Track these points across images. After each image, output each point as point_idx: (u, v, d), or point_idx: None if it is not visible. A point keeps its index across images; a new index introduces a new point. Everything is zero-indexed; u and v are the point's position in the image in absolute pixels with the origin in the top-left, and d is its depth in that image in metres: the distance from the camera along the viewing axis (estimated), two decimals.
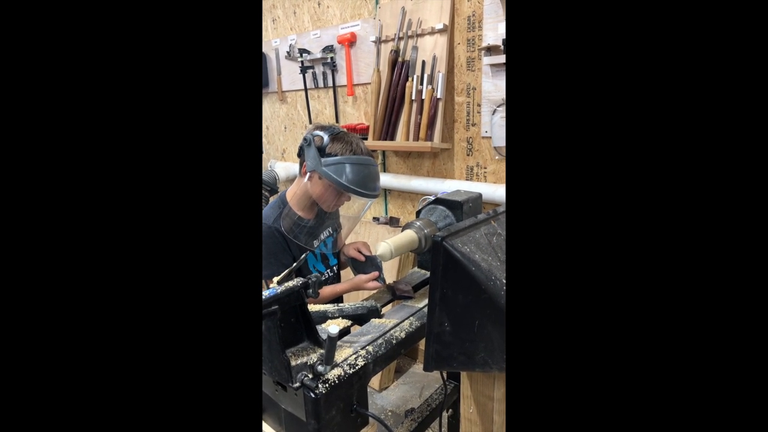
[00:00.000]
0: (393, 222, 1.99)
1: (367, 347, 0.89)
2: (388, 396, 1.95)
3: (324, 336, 0.73)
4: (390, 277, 1.98)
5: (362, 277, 1.16)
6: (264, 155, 2.81)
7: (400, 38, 1.75)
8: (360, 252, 1.18)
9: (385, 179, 1.97)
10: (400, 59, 1.76)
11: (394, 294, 1.13)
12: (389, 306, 1.11)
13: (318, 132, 1.04)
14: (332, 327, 0.71)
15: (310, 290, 0.81)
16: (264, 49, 2.45)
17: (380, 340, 0.92)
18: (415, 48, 1.72)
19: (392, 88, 1.80)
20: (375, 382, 1.98)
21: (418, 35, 1.71)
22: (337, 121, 2.18)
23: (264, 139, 2.75)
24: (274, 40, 2.38)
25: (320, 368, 0.77)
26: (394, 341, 0.93)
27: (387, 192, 2.11)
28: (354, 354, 0.86)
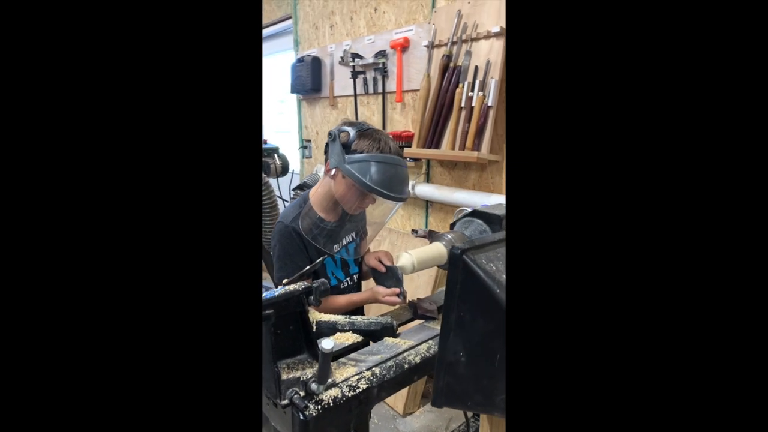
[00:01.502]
0: (432, 236, 1.87)
1: (373, 368, 0.79)
2: (411, 423, 1.82)
3: (326, 347, 0.64)
4: (422, 292, 1.86)
5: (381, 289, 1.06)
6: (312, 159, 2.81)
7: (453, 42, 1.66)
8: (381, 262, 1.08)
9: (427, 190, 1.86)
10: (452, 64, 1.67)
11: (416, 312, 1.01)
12: (408, 325, 1.00)
13: (345, 128, 0.97)
14: (326, 341, 0.62)
15: (312, 297, 0.72)
16: (319, 55, 2.47)
17: (390, 363, 0.81)
18: (468, 53, 1.62)
19: (441, 94, 1.70)
20: (399, 405, 1.85)
21: (472, 39, 1.61)
22: (384, 127, 2.12)
23: (313, 144, 2.76)
24: (330, 46, 2.39)
25: (314, 386, 0.68)
26: (406, 365, 0.82)
27: (429, 204, 2.00)
28: (357, 375, 0.76)
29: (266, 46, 3.26)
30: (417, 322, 1.01)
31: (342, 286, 1.14)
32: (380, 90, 2.09)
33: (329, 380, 0.72)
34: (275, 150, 2.63)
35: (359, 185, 0.93)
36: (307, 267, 0.88)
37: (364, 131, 0.97)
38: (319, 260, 0.94)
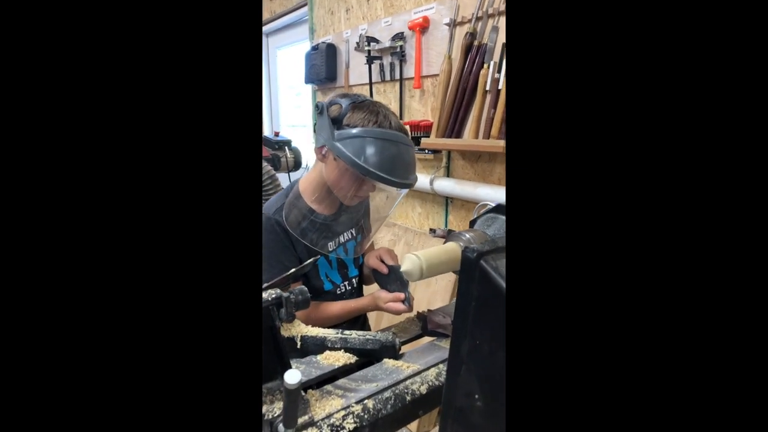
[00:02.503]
0: (450, 237, 1.68)
1: (365, 401, 0.62)
2: None
3: (291, 381, 0.48)
4: (439, 300, 1.67)
5: (383, 294, 0.89)
6: None
7: (478, 18, 1.48)
8: (383, 262, 0.91)
9: (447, 185, 1.68)
10: (476, 43, 1.49)
11: (426, 327, 0.84)
12: (415, 343, 0.83)
13: (337, 99, 0.81)
14: (290, 374, 0.46)
15: (283, 309, 0.56)
16: (335, 42, 2.32)
17: (388, 393, 0.64)
18: (495, 29, 1.43)
19: (464, 76, 1.52)
20: (413, 424, 1.67)
21: (500, 13, 1.42)
22: (401, 117, 1.95)
23: None
24: (346, 32, 2.24)
25: (280, 428, 0.52)
26: (408, 397, 0.65)
27: (449, 201, 1.82)
28: (344, 410, 0.60)
29: (282, 37, 3.15)
30: (427, 339, 0.83)
31: (338, 292, 0.97)
32: (397, 76, 1.92)
33: (305, 418, 0.56)
34: (287, 143, 2.50)
35: (352, 168, 0.76)
36: (293, 269, 0.72)
37: (360, 103, 0.80)
38: (309, 261, 0.78)
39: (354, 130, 0.76)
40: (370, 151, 0.75)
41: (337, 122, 0.77)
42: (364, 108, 0.79)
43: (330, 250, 0.92)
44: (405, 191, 0.86)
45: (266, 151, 2.38)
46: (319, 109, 0.79)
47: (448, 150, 1.72)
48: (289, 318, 0.57)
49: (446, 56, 1.59)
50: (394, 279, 0.90)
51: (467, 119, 1.53)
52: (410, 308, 0.87)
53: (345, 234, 0.96)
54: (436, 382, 0.68)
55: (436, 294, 1.68)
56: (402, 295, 0.86)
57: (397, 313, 0.86)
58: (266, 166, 1.72)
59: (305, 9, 2.65)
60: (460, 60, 1.54)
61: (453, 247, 0.81)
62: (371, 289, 1.02)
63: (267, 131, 3.37)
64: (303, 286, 0.61)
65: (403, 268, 0.75)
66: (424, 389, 0.66)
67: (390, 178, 0.76)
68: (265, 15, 3.10)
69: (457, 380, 0.47)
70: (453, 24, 1.58)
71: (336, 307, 0.92)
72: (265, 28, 3.19)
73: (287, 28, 3.06)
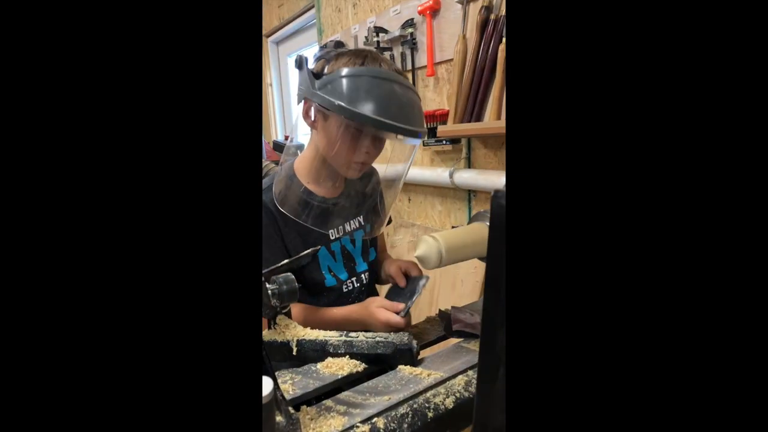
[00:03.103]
0: (477, 216, 1.53)
1: (374, 420, 0.48)
2: None
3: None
4: (467, 295, 1.51)
5: (376, 300, 0.73)
6: None
7: None
8: (407, 275, 0.76)
9: (469, 177, 1.54)
10: (492, 17, 1.36)
11: (449, 327, 0.70)
12: (437, 346, 0.69)
13: (319, 53, 0.69)
14: (264, 382, 0.33)
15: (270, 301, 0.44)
16: (342, 38, 2.24)
17: (404, 408, 0.50)
18: None
19: (480, 55, 1.39)
20: None
21: None
22: None
23: None
24: (354, 27, 2.15)
25: None
26: (429, 413, 0.51)
27: (471, 195, 1.67)
28: (346, 431, 0.46)
29: (292, 44, 3.11)
30: (451, 341, 0.69)
31: (345, 289, 0.82)
32: (409, 66, 1.81)
33: None
34: (299, 147, 2.41)
35: (339, 114, 0.61)
36: (284, 261, 0.60)
37: (346, 52, 0.68)
38: (305, 252, 0.65)
39: (343, 71, 0.63)
40: (359, 91, 0.60)
41: (319, 76, 0.65)
42: (348, 53, 0.67)
43: (332, 238, 0.79)
44: (416, 143, 0.72)
45: (277, 156, 2.30)
46: (297, 63, 0.66)
47: (468, 137, 1.58)
48: (268, 314, 0.44)
49: (460, 36, 1.46)
50: (405, 293, 0.75)
51: (487, 101, 1.39)
52: (406, 322, 0.70)
53: (352, 222, 0.82)
54: (465, 394, 0.54)
55: (462, 298, 1.53)
56: (400, 306, 0.70)
57: (387, 324, 0.69)
58: (274, 167, 1.63)
59: (313, 12, 2.59)
60: (476, 38, 1.41)
61: (478, 228, 0.67)
62: (383, 295, 0.88)
63: (280, 137, 3.32)
64: (289, 274, 0.48)
65: (417, 254, 0.61)
66: (449, 403, 0.52)
67: (388, 121, 0.61)
68: (274, 22, 3.07)
69: (493, 390, 0.33)
70: (466, 1, 1.45)
71: (326, 316, 0.76)
72: (273, 37, 3.17)
73: (296, 34, 3.02)
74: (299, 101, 0.70)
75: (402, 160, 0.76)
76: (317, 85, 0.63)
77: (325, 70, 0.67)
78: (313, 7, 2.56)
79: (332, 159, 0.72)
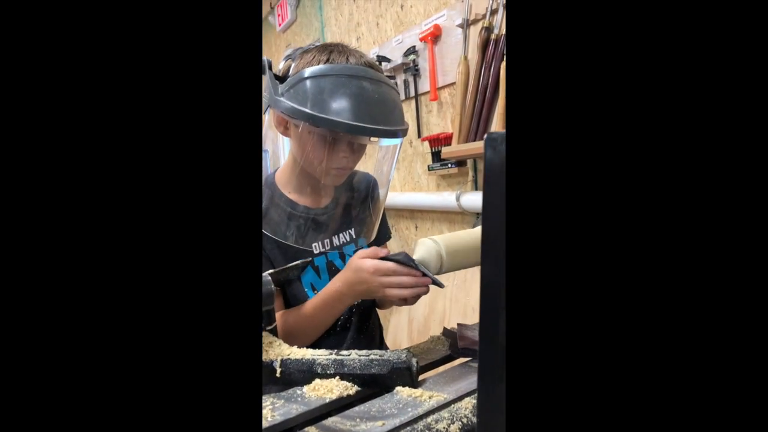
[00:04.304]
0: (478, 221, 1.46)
1: None
2: None
3: None
4: (471, 320, 1.40)
5: (356, 255, 0.62)
6: None
7: (493, 11, 1.35)
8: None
9: (476, 199, 1.49)
10: (493, 36, 1.35)
11: (455, 345, 0.62)
12: (441, 368, 0.60)
13: (287, 53, 0.67)
14: None
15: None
16: None
17: None
18: None
19: (483, 74, 1.38)
20: None
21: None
22: (419, 134, 1.82)
23: None
24: None
25: None
26: None
27: (479, 217, 1.61)
28: None
29: None
30: (457, 361, 0.61)
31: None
32: (413, 93, 1.81)
33: None
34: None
35: (303, 121, 0.56)
36: (269, 271, 0.54)
37: (310, 48, 0.65)
38: (293, 264, 0.59)
39: (306, 72, 0.59)
40: (323, 93, 0.56)
41: (283, 80, 0.62)
42: (313, 50, 0.64)
43: (316, 252, 0.72)
44: (396, 143, 0.66)
45: None
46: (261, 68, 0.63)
47: (474, 158, 1.54)
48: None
49: (462, 58, 1.46)
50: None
51: (491, 118, 1.36)
52: (429, 286, 0.57)
53: (341, 235, 0.75)
54: (474, 419, 0.46)
55: (469, 310, 1.43)
56: (383, 251, 0.59)
57: (377, 270, 0.56)
58: None
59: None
60: (477, 59, 1.40)
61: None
62: (383, 313, 0.79)
63: None
64: (265, 274, 0.42)
65: (415, 257, 0.55)
66: (454, 429, 0.44)
67: (359, 124, 0.55)
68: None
69: (496, 410, 0.26)
70: (466, 24, 1.46)
71: (307, 309, 0.66)
72: None
73: None
74: (264, 110, 0.66)
75: (384, 164, 0.71)
76: (280, 90, 0.60)
77: (290, 72, 0.64)
78: (319, 42, 2.64)
79: (308, 167, 0.67)
